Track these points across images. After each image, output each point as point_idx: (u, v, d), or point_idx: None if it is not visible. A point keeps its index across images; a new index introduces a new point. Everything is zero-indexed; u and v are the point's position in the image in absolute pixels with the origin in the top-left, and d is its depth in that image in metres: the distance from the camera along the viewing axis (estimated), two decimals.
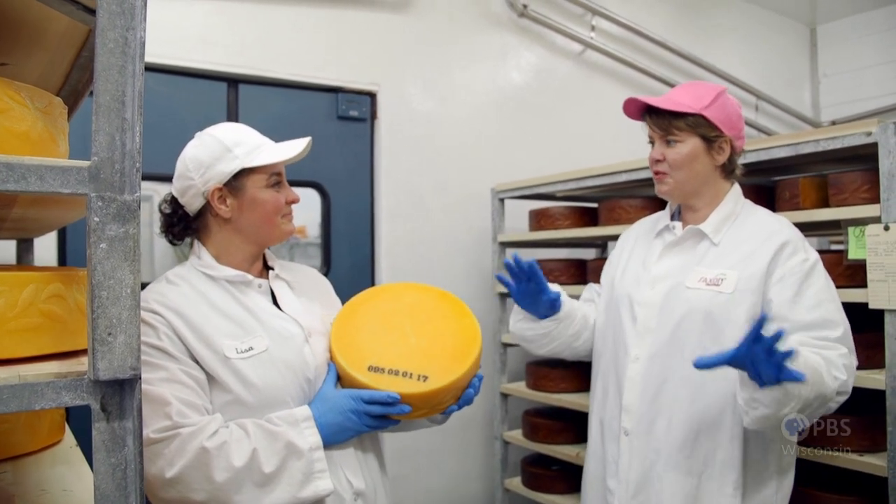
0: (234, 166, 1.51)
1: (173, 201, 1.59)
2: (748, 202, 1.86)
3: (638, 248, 1.97)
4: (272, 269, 1.67)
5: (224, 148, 1.52)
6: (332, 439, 1.45)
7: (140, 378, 0.82)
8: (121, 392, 0.82)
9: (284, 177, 1.61)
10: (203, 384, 1.42)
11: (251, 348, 1.46)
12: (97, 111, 0.81)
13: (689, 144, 1.76)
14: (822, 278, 1.68)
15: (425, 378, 1.48)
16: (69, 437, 1.57)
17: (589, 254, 4.02)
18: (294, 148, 1.56)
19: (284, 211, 1.60)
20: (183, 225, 1.59)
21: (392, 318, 1.62)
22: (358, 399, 1.45)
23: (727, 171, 1.82)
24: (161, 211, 1.62)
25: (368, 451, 1.61)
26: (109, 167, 0.82)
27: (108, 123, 0.82)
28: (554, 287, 1.95)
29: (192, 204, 1.55)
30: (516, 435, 3.45)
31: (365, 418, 1.45)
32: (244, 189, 1.53)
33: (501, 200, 3.56)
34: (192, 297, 1.49)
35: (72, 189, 0.79)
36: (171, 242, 1.62)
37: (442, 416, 1.66)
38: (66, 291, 0.93)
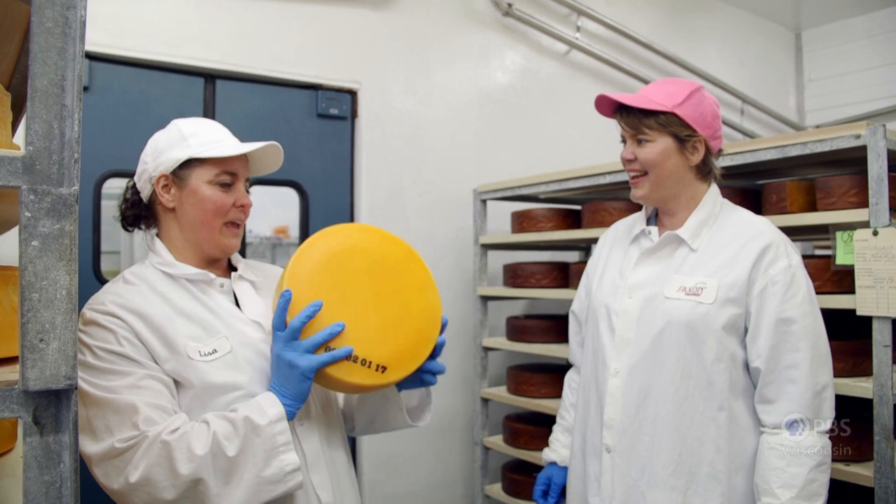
0: (183, 154, 1.45)
1: (133, 185, 1.56)
2: (727, 202, 1.80)
3: (614, 254, 1.90)
4: (236, 269, 1.60)
5: (181, 136, 1.48)
6: (296, 400, 1.36)
7: (76, 388, 0.74)
8: (56, 403, 0.75)
9: (240, 179, 1.52)
10: (170, 386, 1.36)
11: (214, 350, 1.40)
12: (33, 96, 0.74)
13: (660, 144, 1.69)
14: (803, 289, 1.62)
15: (384, 369, 1.40)
16: (21, 447, 1.48)
17: (572, 257, 3.97)
18: (247, 146, 1.48)
19: (230, 217, 1.50)
20: (136, 210, 1.55)
21: (352, 281, 1.43)
22: (290, 340, 1.34)
23: (703, 172, 1.75)
24: (124, 196, 1.58)
25: (340, 463, 1.55)
26: (46, 158, 0.75)
27: (46, 110, 0.75)
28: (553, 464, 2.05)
29: (144, 189, 1.51)
30: (497, 440, 3.40)
31: (308, 358, 1.34)
32: (188, 180, 1.47)
33: (483, 202, 3.50)
34: (152, 298, 1.42)
35: (2, 181, 0.72)
36: (124, 228, 1.57)
37: (423, 401, 1.66)
38: (1, 293, 0.86)
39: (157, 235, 1.54)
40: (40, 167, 0.74)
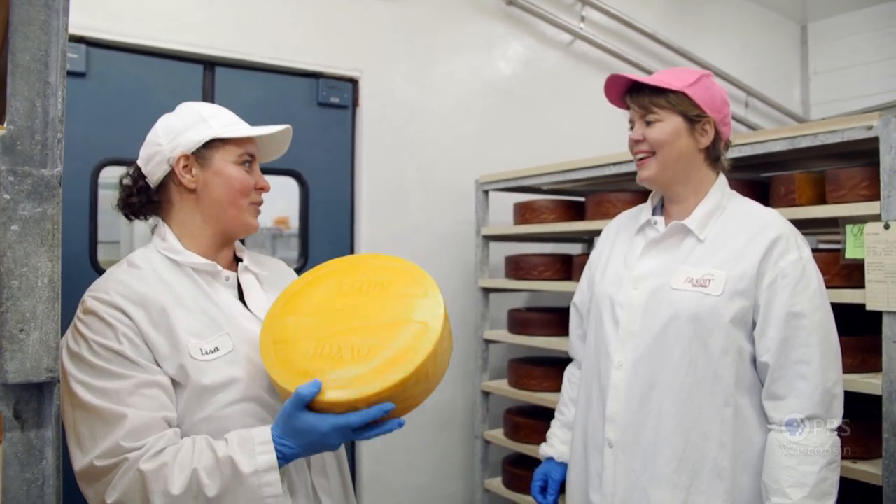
0: (206, 135, 1.42)
1: (136, 171, 1.49)
2: (735, 194, 1.77)
3: (619, 245, 1.87)
4: (241, 260, 1.56)
5: (199, 117, 1.45)
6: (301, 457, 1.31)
7: (58, 381, 0.71)
8: (38, 397, 0.71)
9: (257, 161, 1.52)
10: (168, 390, 1.29)
11: (216, 349, 1.35)
12: (14, 72, 0.70)
13: (669, 123, 1.66)
14: (813, 282, 1.59)
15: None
16: None
17: (575, 249, 3.93)
18: (269, 128, 1.48)
19: (253, 197, 1.49)
20: (143, 197, 1.48)
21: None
22: (346, 430, 1.26)
23: (711, 157, 1.72)
24: (121, 183, 1.52)
25: (342, 466, 1.53)
26: (28, 137, 0.71)
27: (28, 87, 0.71)
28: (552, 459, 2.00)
29: (156, 172, 1.45)
30: (497, 434, 3.36)
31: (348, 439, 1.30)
32: (212, 160, 1.44)
33: (486, 193, 3.46)
34: (156, 286, 1.37)
35: None
36: (127, 217, 1.52)
37: None
38: None
39: (163, 219, 1.49)
40: (21, 147, 0.70)
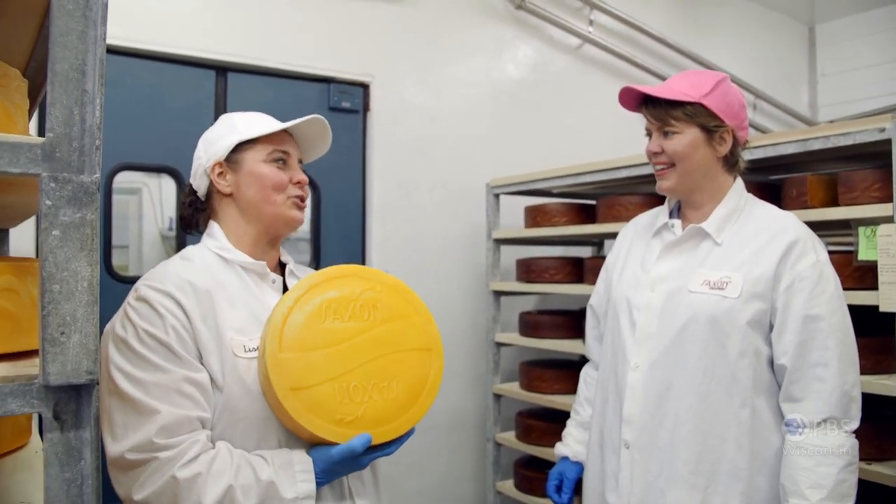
0: (233, 140, 1.46)
1: (189, 188, 1.55)
2: (752, 197, 1.77)
3: (635, 247, 1.87)
4: (286, 265, 1.58)
5: (231, 125, 1.49)
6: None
7: (97, 383, 0.72)
8: (77, 399, 0.73)
9: (293, 157, 1.53)
10: (206, 389, 1.28)
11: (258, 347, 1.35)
12: (53, 81, 0.72)
13: (688, 135, 1.65)
14: (831, 285, 1.59)
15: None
16: (37, 441, 1.46)
17: (585, 252, 3.94)
18: (292, 122, 1.49)
19: (290, 192, 1.49)
20: (194, 209, 1.53)
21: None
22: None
23: (730, 163, 1.72)
24: (180, 201, 1.59)
25: (377, 477, 1.56)
26: (66, 144, 0.72)
27: (66, 95, 0.73)
28: (568, 458, 2.01)
29: (201, 185, 1.50)
30: (509, 437, 3.37)
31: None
32: (243, 162, 1.47)
33: (496, 196, 3.47)
34: (206, 279, 1.38)
35: (22, 168, 0.70)
36: (185, 231, 1.57)
37: None
38: (20, 285, 0.84)
39: (213, 220, 1.53)
40: (60, 154, 0.72)
